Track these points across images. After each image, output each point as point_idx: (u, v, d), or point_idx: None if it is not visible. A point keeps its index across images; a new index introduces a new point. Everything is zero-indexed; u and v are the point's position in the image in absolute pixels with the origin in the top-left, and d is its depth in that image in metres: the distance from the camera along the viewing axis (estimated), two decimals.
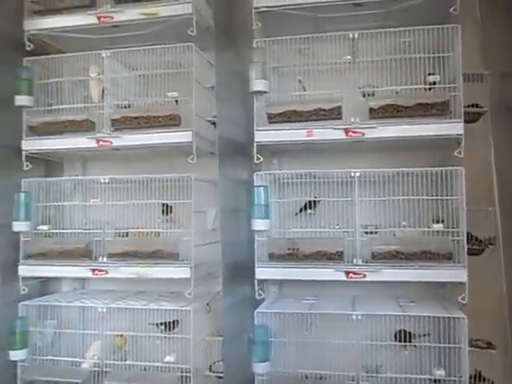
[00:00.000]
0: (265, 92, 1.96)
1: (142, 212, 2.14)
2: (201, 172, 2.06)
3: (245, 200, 2.12)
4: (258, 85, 1.94)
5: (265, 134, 1.96)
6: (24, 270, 2.10)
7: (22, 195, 2.07)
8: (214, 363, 2.08)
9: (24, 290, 2.09)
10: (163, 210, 2.21)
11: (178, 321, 2.08)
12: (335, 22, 2.05)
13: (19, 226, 2.06)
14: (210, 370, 2.07)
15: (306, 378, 1.97)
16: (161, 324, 2.08)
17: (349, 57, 1.99)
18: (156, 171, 2.15)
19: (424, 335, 1.91)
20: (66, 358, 2.11)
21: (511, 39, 1.92)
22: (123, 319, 2.08)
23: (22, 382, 2.08)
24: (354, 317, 1.87)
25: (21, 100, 2.11)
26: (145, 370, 2.08)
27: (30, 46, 2.18)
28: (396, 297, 2.11)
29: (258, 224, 1.90)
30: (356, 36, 1.95)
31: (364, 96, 1.98)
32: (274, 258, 1.95)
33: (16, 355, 2.03)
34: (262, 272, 1.93)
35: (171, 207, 2.19)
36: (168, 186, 2.09)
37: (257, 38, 2.03)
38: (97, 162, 2.55)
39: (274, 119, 1.97)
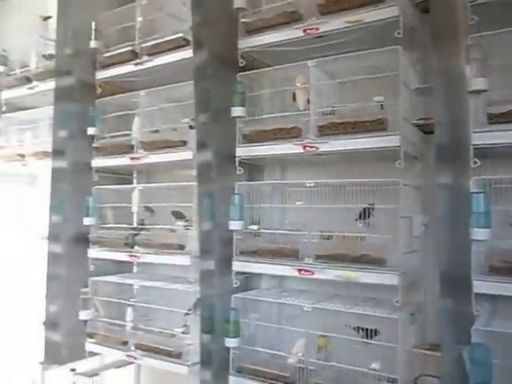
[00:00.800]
0: (484, 91, 1.80)
1: (342, 216, 2.15)
2: (401, 176, 1.97)
3: (450, 206, 1.98)
4: (477, 83, 1.79)
5: (483, 136, 1.80)
6: (237, 265, 2.30)
7: (237, 197, 2.27)
8: (420, 376, 1.98)
9: (236, 283, 2.30)
10: (361, 215, 2.20)
11: (377, 329, 2.05)
12: None
13: (234, 225, 2.27)
14: None
15: None
16: (361, 329, 2.07)
17: None
18: (351, 176, 2.17)
19: None
20: (273, 351, 2.23)
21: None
22: (322, 320, 2.11)
23: (234, 368, 2.27)
24: None
25: (236, 111, 2.32)
26: (341, 372, 2.07)
27: (242, 62, 2.39)
28: None
29: (478, 233, 1.74)
30: None
31: None
32: (493, 271, 1.78)
33: (230, 342, 2.23)
34: (481, 286, 1.76)
35: (370, 211, 2.17)
36: (367, 190, 2.07)
37: (472, 34, 1.88)
38: (294, 167, 2.67)
39: (495, 119, 1.79)
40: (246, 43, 2.37)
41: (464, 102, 1.85)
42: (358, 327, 2.09)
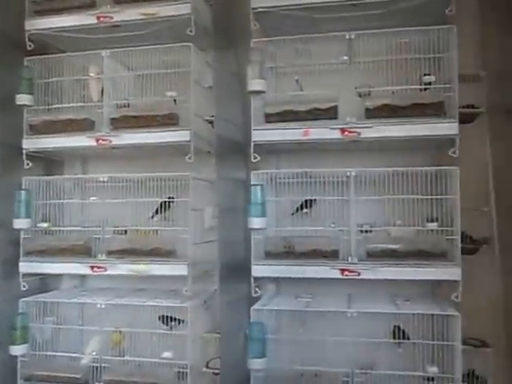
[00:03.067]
0: (262, 92, 2.12)
1: (139, 210, 2.31)
2: (198, 171, 2.23)
3: (242, 199, 2.28)
4: (255, 84, 2.10)
5: (262, 134, 2.12)
6: (24, 266, 2.27)
7: (23, 193, 2.24)
8: (211, 360, 2.24)
9: (24, 286, 2.26)
10: (158, 209, 2.37)
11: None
12: (333, 23, 2.20)
13: (19, 223, 2.24)
14: (207, 367, 2.23)
15: (302, 375, 2.12)
16: (165, 318, 2.27)
17: (346, 57, 2.14)
18: (154, 170, 2.32)
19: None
20: (64, 354, 2.28)
21: (510, 39, 2.03)
22: (122, 316, 2.24)
23: (22, 377, 2.25)
24: (349, 314, 2.02)
25: (21, 99, 2.28)
26: (140, 365, 2.23)
27: (30, 45, 2.34)
28: (392, 295, 2.25)
29: (255, 222, 2.06)
30: (353, 37, 2.10)
31: (360, 96, 2.14)
32: (270, 255, 2.12)
33: (16, 350, 2.21)
34: (258, 270, 2.09)
35: (169, 205, 2.35)
36: (166, 184, 2.26)
37: (255, 39, 2.19)
38: (96, 161, 2.73)
39: (270, 119, 2.13)
40: (34, 25, 2.34)
41: (244, 101, 2.15)
42: (164, 315, 2.27)
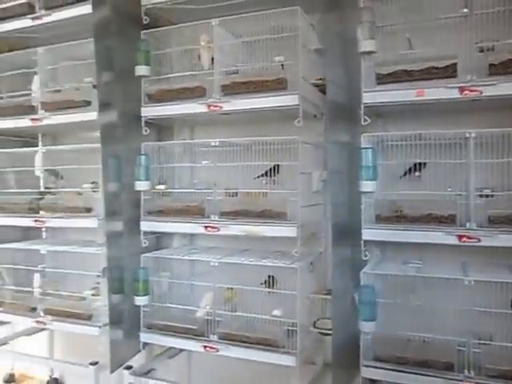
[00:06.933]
0: (374, 52, 1.91)
1: (248, 174, 2.21)
2: (304, 135, 2.07)
3: (347, 162, 2.11)
4: (367, 45, 1.89)
5: (373, 96, 1.91)
6: (145, 225, 2.29)
7: (143, 158, 2.25)
8: (318, 320, 2.14)
9: (145, 243, 2.30)
10: (267, 172, 2.26)
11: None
12: None
13: (141, 185, 2.25)
14: (314, 327, 2.13)
15: (408, 340, 1.95)
16: (263, 283, 2.19)
17: (465, 9, 1.86)
18: (260, 135, 2.19)
19: None
20: (181, 306, 2.28)
21: None
22: (230, 274, 2.18)
23: (144, 325, 2.30)
24: (467, 282, 1.79)
25: (140, 70, 2.26)
26: (248, 322, 2.16)
27: (146, 19, 2.31)
28: (508, 265, 1.98)
29: (366, 185, 1.88)
30: None
31: (482, 51, 1.85)
32: (380, 219, 1.93)
33: (139, 301, 2.26)
34: (369, 233, 1.92)
35: (278, 169, 2.23)
36: (274, 148, 2.13)
37: None
38: (203, 127, 2.68)
39: (382, 79, 1.90)
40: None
41: (355, 62, 1.95)
42: (265, 280, 2.20)
